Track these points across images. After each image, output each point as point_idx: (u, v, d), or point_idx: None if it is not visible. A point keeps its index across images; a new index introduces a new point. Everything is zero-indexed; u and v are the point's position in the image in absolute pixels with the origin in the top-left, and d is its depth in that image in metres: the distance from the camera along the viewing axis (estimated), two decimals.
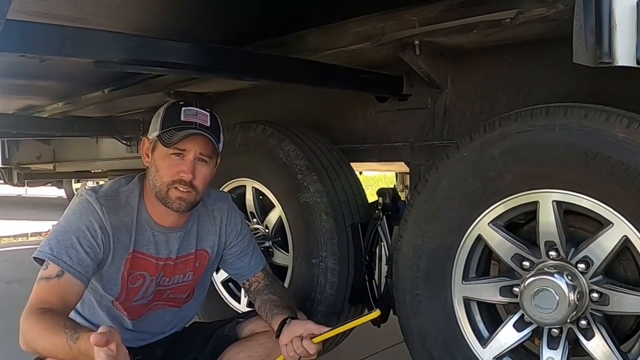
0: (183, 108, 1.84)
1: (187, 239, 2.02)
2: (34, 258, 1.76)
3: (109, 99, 3.20)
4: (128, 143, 4.38)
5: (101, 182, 6.72)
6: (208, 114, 1.87)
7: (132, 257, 1.89)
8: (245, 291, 2.27)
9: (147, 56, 1.70)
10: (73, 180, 9.79)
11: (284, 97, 2.97)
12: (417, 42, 2.06)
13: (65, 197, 10.72)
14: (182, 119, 1.81)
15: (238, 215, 2.19)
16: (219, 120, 1.91)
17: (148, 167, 1.90)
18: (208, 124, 1.84)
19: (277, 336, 1.92)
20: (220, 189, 2.66)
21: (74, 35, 1.55)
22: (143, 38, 1.71)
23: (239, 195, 2.73)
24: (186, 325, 2.25)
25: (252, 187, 2.65)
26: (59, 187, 11.13)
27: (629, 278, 1.74)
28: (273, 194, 2.54)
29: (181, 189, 1.83)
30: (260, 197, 2.66)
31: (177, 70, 1.91)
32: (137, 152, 4.34)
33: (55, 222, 1.89)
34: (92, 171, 6.44)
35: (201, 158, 1.84)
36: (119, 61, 1.63)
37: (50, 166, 5.88)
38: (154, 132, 1.85)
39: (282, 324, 1.92)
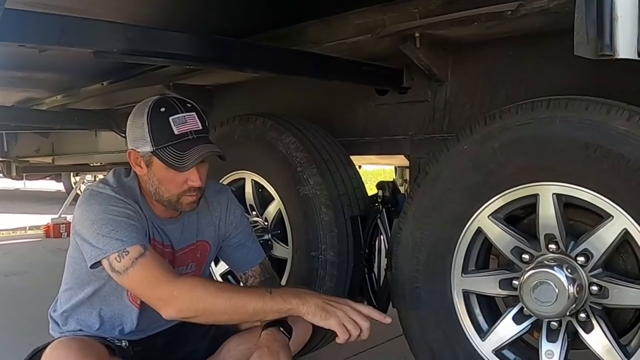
0: (170, 118, 1.76)
1: (187, 230, 2.02)
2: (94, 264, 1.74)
3: (108, 92, 3.18)
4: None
5: (100, 176, 6.71)
6: (193, 112, 1.81)
7: (153, 243, 1.87)
8: (243, 285, 2.27)
9: (147, 47, 1.69)
10: (72, 173, 9.77)
11: (284, 90, 2.96)
12: (417, 35, 2.06)
13: (64, 190, 10.71)
14: (175, 132, 1.75)
15: (238, 208, 2.19)
16: (199, 108, 1.85)
17: (143, 177, 1.85)
18: (200, 126, 1.80)
19: None
20: (220, 182, 2.65)
21: (73, 24, 1.54)
22: (143, 28, 1.70)
23: (238, 188, 2.73)
24: None
25: (252, 179, 2.65)
26: (58, 181, 11.12)
27: (628, 271, 1.75)
28: (272, 186, 2.54)
29: (192, 194, 1.85)
30: (260, 189, 2.66)
31: (177, 62, 1.90)
32: None
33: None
34: (91, 164, 6.42)
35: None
36: (118, 51, 1.62)
37: (49, 159, 5.87)
38: (143, 147, 1.78)
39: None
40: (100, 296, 1.93)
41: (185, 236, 2.02)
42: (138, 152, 1.81)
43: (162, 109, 1.77)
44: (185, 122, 1.77)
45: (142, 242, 1.73)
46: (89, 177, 8.89)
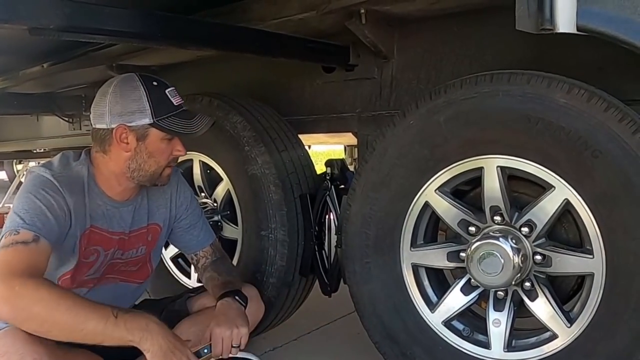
0: (166, 91, 1.84)
1: (138, 213, 2.00)
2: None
3: (48, 74, 3.09)
4: (70, 120, 4.24)
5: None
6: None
7: (89, 232, 1.85)
8: (194, 267, 2.26)
9: (86, 23, 1.63)
10: (14, 161, 9.48)
11: (230, 69, 2.94)
12: (363, 11, 2.06)
13: (7, 179, 10.39)
14: (175, 103, 1.84)
15: (187, 189, 2.19)
16: None
17: (127, 153, 1.82)
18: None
19: None
20: None
21: None
22: (81, 3, 1.63)
23: (186, 170, 2.69)
24: (136, 303, 2.22)
25: (200, 160, 2.61)
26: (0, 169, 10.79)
27: (570, 240, 1.80)
28: (221, 167, 2.51)
29: (171, 165, 1.93)
30: (208, 170, 2.63)
31: (118, 39, 1.85)
32: (80, 129, 4.23)
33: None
34: (34, 151, 6.24)
35: None
36: (55, 28, 1.56)
37: None
38: (139, 120, 1.79)
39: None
40: None
41: (137, 219, 2.00)
42: (130, 126, 1.80)
43: (155, 83, 1.85)
44: (177, 95, 1.88)
45: (39, 233, 1.63)
46: (32, 164, 8.64)
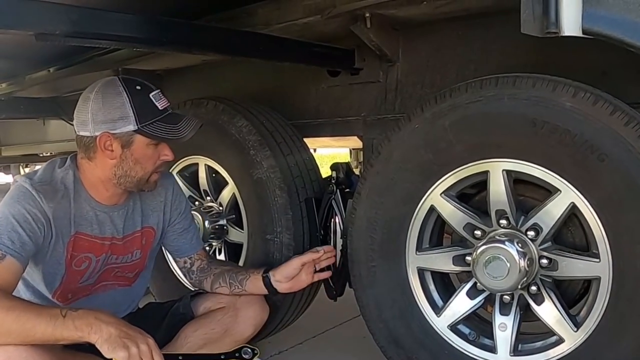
0: (150, 95, 1.81)
1: (131, 217, 2.00)
2: None
3: (54, 79, 3.11)
4: None
5: None
6: (158, 89, 1.87)
7: (75, 239, 1.85)
8: (185, 272, 2.23)
9: (92, 28, 1.64)
10: (21, 165, 9.50)
11: (235, 73, 2.93)
12: (368, 15, 2.05)
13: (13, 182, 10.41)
14: (159, 107, 1.81)
15: (181, 193, 2.21)
16: None
17: (112, 160, 1.81)
18: (169, 102, 1.87)
19: (272, 292, 2.09)
20: (173, 167, 2.62)
21: (14, 5, 1.48)
22: (87, 9, 1.64)
23: (191, 174, 2.70)
24: (140, 306, 2.23)
25: (205, 164, 2.61)
26: (6, 173, 10.80)
27: (576, 244, 1.79)
28: (226, 170, 2.51)
29: (159, 170, 1.90)
30: (214, 174, 2.63)
31: (123, 44, 1.86)
32: None
33: None
34: (41, 154, 6.25)
35: None
36: (61, 33, 1.56)
37: None
38: (123, 127, 1.77)
39: (266, 279, 2.07)
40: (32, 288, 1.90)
41: (130, 223, 2.00)
42: (113, 133, 1.78)
43: (138, 87, 1.81)
44: (162, 98, 1.85)
45: (6, 252, 1.63)
46: (38, 167, 8.65)
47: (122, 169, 1.83)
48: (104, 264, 1.95)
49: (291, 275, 2.09)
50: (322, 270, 2.19)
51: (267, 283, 2.09)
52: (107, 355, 1.50)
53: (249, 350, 1.91)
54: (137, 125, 1.77)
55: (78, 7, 1.62)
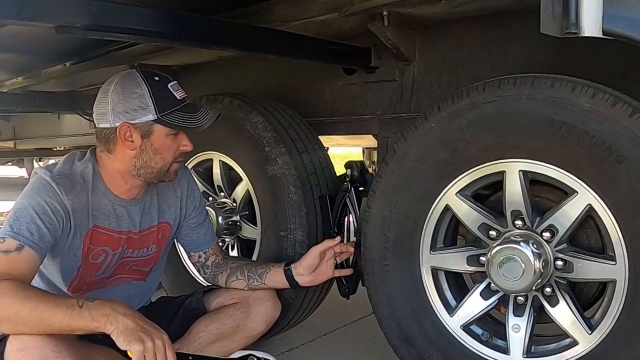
0: (169, 86, 1.84)
1: (148, 212, 2.01)
2: None
3: (70, 73, 3.12)
4: (91, 119, 4.27)
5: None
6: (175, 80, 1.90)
7: (93, 232, 1.86)
8: (200, 267, 2.24)
9: (112, 22, 1.64)
10: (35, 159, 9.57)
11: (252, 70, 2.94)
12: (385, 13, 2.05)
13: (27, 177, 10.48)
14: (178, 98, 1.84)
15: (197, 188, 2.22)
16: None
17: (132, 152, 1.83)
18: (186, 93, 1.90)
19: (294, 285, 2.13)
20: (188, 163, 2.63)
21: None
22: (107, 3, 1.65)
23: (206, 169, 2.71)
24: (153, 301, 2.24)
25: (220, 160, 2.62)
26: (20, 167, 10.87)
27: (592, 246, 1.78)
28: (241, 167, 2.51)
29: (179, 161, 1.92)
30: (228, 170, 2.63)
31: (142, 38, 1.86)
32: None
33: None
34: (55, 149, 6.29)
35: None
36: (81, 27, 1.57)
37: (10, 144, 5.72)
38: (143, 117, 1.79)
39: (288, 272, 2.11)
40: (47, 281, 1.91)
41: (147, 218, 2.01)
42: (134, 124, 1.80)
43: (157, 78, 1.84)
44: (180, 89, 1.87)
45: (25, 242, 1.65)
46: (52, 162, 8.70)
47: (142, 160, 1.84)
48: (120, 257, 1.96)
49: (312, 266, 2.11)
50: (342, 267, 2.19)
51: (289, 276, 2.11)
52: (122, 347, 1.51)
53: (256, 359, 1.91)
54: (157, 115, 1.79)
55: (99, 1, 1.63)
